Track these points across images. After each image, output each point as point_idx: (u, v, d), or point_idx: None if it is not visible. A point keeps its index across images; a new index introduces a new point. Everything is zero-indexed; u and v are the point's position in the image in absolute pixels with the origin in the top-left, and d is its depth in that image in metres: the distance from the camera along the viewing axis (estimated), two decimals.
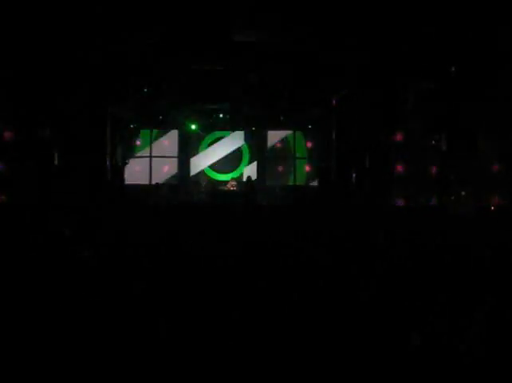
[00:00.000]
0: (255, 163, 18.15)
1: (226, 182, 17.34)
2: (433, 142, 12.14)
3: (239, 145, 18.07)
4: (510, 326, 3.41)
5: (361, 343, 3.33)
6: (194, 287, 4.28)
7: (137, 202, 14.95)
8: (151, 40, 10.94)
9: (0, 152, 12.47)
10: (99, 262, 5.24)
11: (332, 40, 10.79)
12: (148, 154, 17.67)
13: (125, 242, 6.47)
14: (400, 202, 12.69)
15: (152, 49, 11.30)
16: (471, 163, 12.00)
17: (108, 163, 14.81)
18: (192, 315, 3.70)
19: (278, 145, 18.23)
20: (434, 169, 12.66)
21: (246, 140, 18.07)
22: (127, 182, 16.70)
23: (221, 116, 16.79)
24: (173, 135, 17.91)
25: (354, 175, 14.03)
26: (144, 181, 17.48)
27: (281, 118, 16.85)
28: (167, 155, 17.80)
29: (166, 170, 17.89)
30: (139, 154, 17.62)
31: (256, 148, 18.09)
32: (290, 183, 18.19)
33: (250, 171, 17.48)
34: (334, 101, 14.62)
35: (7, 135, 12.34)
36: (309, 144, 18.01)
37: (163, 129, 17.69)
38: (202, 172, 18.05)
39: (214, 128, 17.73)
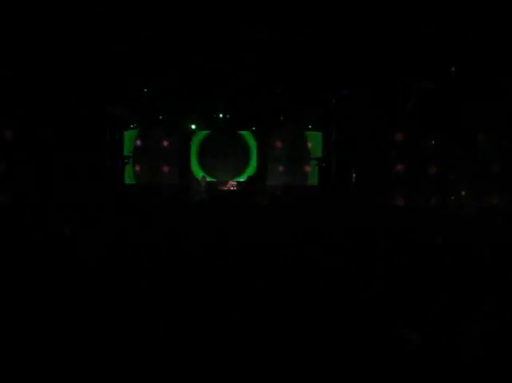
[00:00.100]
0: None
1: (226, 182, 17.29)
2: (433, 142, 12.14)
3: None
4: (509, 326, 3.41)
5: (361, 343, 3.33)
6: (194, 287, 4.28)
7: (137, 202, 14.94)
8: (150, 40, 10.94)
9: (0, 152, 12.49)
10: (99, 262, 5.24)
11: (331, 40, 10.79)
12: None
13: (125, 242, 6.47)
14: (400, 202, 12.70)
15: (152, 49, 11.31)
16: (471, 163, 12.01)
17: (107, 163, 14.82)
18: (192, 315, 3.70)
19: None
20: (434, 169, 12.67)
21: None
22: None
23: (221, 115, 16.76)
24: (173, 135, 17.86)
25: (354, 175, 14.04)
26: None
27: (281, 118, 16.83)
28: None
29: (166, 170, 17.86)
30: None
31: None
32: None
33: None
34: (334, 101, 14.64)
35: (7, 135, 12.35)
36: (309, 144, 17.98)
37: (163, 129, 17.64)
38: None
39: (214, 128, 17.67)
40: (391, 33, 10.53)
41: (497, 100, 11.30)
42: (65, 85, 12.72)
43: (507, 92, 10.92)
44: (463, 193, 11.83)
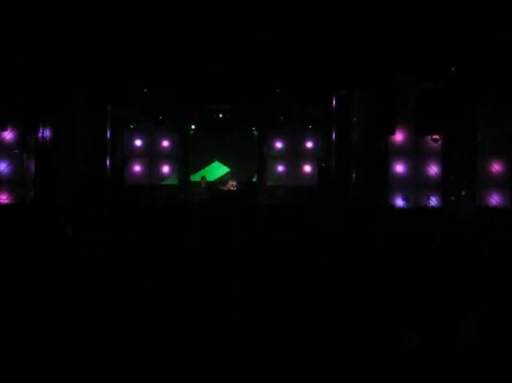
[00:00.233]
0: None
1: (226, 182, 17.26)
2: (433, 142, 12.13)
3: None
4: (509, 326, 3.41)
5: (361, 342, 3.33)
6: (194, 287, 4.28)
7: (138, 202, 14.93)
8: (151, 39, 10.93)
9: (0, 152, 12.51)
10: (99, 262, 5.24)
11: (332, 40, 10.79)
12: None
13: (125, 242, 6.48)
14: (400, 202, 12.68)
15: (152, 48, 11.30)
16: (471, 163, 12.01)
17: (108, 163, 14.81)
18: (192, 314, 3.70)
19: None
20: (434, 169, 12.67)
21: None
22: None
23: (220, 116, 16.74)
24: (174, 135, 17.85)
25: (354, 175, 14.02)
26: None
27: (281, 118, 16.83)
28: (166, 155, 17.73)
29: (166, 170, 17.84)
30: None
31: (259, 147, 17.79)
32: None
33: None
34: (334, 101, 14.63)
35: (7, 135, 12.36)
36: (309, 144, 17.96)
37: (164, 129, 17.62)
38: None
39: (214, 128, 17.65)
40: (392, 33, 10.53)
41: (497, 100, 11.32)
42: (66, 85, 12.72)
43: (507, 92, 10.93)
44: (463, 193, 11.83)
